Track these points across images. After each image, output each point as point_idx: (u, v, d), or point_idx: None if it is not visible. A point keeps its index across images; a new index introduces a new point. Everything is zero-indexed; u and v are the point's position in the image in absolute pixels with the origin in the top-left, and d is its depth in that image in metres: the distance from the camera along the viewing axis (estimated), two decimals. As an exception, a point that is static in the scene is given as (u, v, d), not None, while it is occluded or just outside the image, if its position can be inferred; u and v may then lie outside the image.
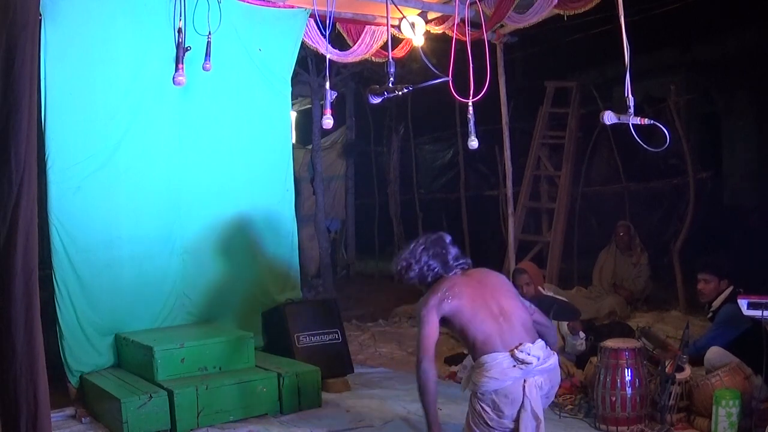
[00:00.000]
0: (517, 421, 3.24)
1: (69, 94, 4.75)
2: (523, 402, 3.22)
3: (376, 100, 4.03)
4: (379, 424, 4.46)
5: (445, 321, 3.38)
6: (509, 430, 3.27)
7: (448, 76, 3.93)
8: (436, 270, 3.51)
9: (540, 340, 3.36)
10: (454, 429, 3.99)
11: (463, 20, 4.52)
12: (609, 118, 3.59)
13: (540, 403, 3.25)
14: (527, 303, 3.62)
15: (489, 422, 3.26)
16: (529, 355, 3.22)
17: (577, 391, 4.97)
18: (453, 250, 3.58)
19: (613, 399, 4.26)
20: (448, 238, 3.63)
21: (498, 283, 3.57)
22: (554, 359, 3.35)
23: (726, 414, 3.99)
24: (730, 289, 4.76)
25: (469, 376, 3.35)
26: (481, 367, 3.25)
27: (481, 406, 3.27)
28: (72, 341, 4.76)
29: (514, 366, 3.21)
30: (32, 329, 2.76)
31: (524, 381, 3.22)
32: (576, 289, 7.60)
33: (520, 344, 3.25)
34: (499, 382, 3.21)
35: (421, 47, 4.89)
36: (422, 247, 3.56)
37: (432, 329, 3.34)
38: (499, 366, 3.21)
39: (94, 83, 4.86)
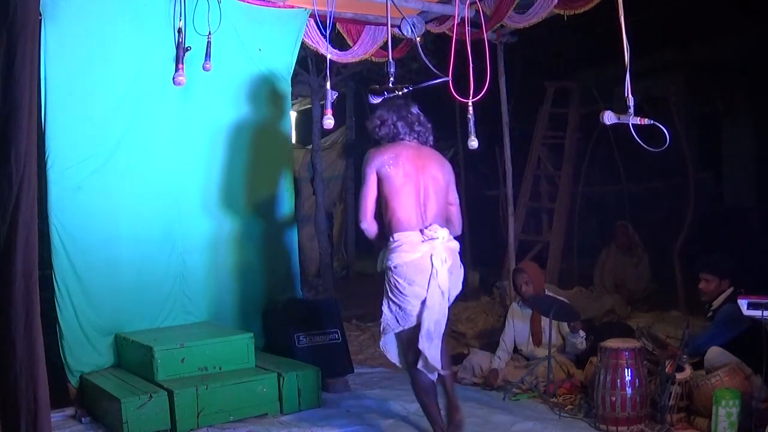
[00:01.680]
0: (427, 290, 3.71)
1: (69, 94, 4.74)
2: (431, 272, 3.70)
3: (376, 100, 4.03)
4: (379, 424, 4.46)
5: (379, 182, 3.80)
6: (421, 298, 3.71)
7: (448, 76, 3.92)
8: (400, 131, 3.91)
9: (446, 228, 3.86)
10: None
11: (463, 20, 4.52)
12: (609, 118, 3.59)
13: (446, 276, 3.75)
14: (453, 196, 4.03)
15: (402, 291, 3.71)
16: (435, 233, 3.74)
17: (577, 391, 4.98)
18: (417, 118, 3.94)
19: (613, 399, 4.26)
20: (415, 108, 3.98)
21: (435, 172, 3.91)
22: (456, 243, 3.90)
23: (726, 414, 4.00)
24: (731, 289, 4.76)
25: (384, 255, 3.77)
26: (395, 243, 3.73)
27: (395, 278, 3.72)
28: (72, 341, 4.76)
29: (423, 241, 3.71)
30: (32, 329, 2.76)
31: (431, 255, 3.71)
32: (576, 289, 7.60)
33: (428, 224, 3.77)
34: (410, 255, 3.70)
35: (421, 47, 4.89)
36: (393, 109, 3.95)
37: (372, 188, 3.80)
38: (410, 241, 3.71)
39: (94, 83, 4.86)
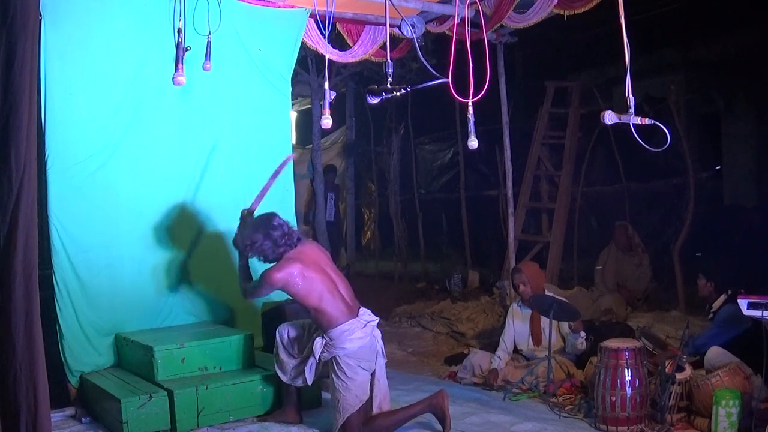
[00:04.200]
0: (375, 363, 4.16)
1: (69, 93, 4.74)
2: (376, 349, 4.17)
3: (374, 101, 4.03)
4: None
5: (292, 295, 4.11)
6: (368, 374, 4.12)
7: (447, 77, 3.92)
8: (271, 249, 4.12)
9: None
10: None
11: (463, 20, 4.52)
12: (610, 118, 3.59)
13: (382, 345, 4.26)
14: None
15: (355, 376, 4.05)
16: (370, 317, 4.17)
17: (577, 391, 4.98)
18: (278, 231, 4.13)
19: (613, 399, 4.27)
20: (276, 218, 4.20)
21: (328, 260, 4.29)
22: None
23: (726, 414, 4.00)
24: (728, 290, 4.78)
25: (330, 346, 4.06)
26: (343, 334, 4.04)
27: (348, 364, 4.05)
28: (72, 341, 4.76)
29: (365, 325, 4.11)
30: (32, 329, 2.76)
31: (373, 334, 4.16)
32: (576, 289, 7.60)
33: (359, 309, 4.18)
34: (363, 339, 4.08)
35: (421, 47, 4.89)
36: (259, 229, 4.15)
37: (261, 295, 4.28)
38: (357, 329, 4.07)
39: (94, 83, 4.85)
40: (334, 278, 4.17)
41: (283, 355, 4.37)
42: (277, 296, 5.58)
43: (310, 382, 4.29)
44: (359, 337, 4.07)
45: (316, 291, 4.05)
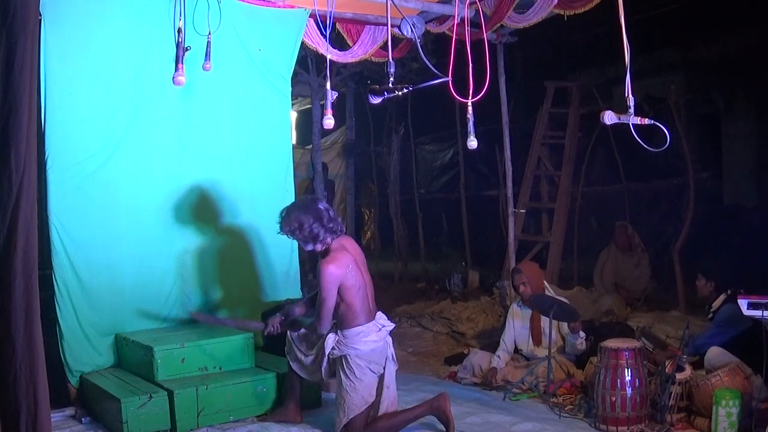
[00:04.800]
0: (383, 367, 4.17)
1: (69, 94, 4.74)
2: (387, 354, 4.18)
3: (376, 100, 4.03)
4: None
5: (340, 288, 4.01)
6: (376, 377, 4.12)
7: (447, 76, 3.92)
8: (320, 231, 4.06)
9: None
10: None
11: (463, 20, 4.52)
12: (609, 118, 3.59)
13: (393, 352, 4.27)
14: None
15: (363, 377, 4.05)
16: (385, 321, 4.21)
17: (577, 391, 4.98)
18: (325, 215, 4.09)
19: (613, 399, 4.27)
20: (321, 203, 4.17)
21: (364, 259, 4.27)
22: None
23: (726, 414, 4.00)
24: (726, 292, 4.78)
25: (342, 344, 4.06)
26: (358, 335, 4.05)
27: (357, 364, 4.04)
28: (72, 341, 4.76)
29: (380, 330, 4.13)
30: (32, 329, 2.76)
31: (386, 339, 4.17)
32: (576, 289, 7.60)
33: (375, 313, 4.19)
34: (377, 343, 4.10)
35: (421, 47, 4.89)
36: (304, 210, 4.09)
37: (333, 301, 4.00)
38: (373, 332, 4.09)
39: (94, 83, 4.85)
40: (366, 278, 4.17)
41: (297, 353, 4.39)
42: (273, 297, 5.62)
43: (325, 379, 4.30)
44: (373, 340, 4.08)
45: (356, 287, 4.04)
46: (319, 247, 4.11)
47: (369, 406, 4.09)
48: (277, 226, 4.16)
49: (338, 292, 4.00)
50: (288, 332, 4.42)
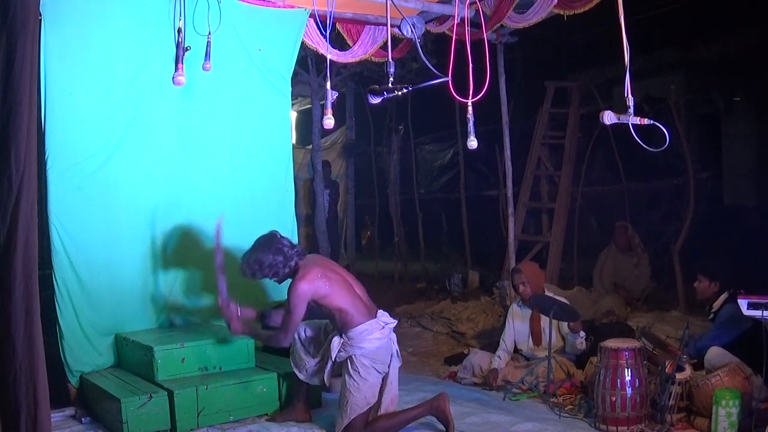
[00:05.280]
0: (388, 365, 4.19)
1: (69, 94, 4.74)
2: (392, 351, 4.20)
3: (376, 100, 4.03)
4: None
5: (319, 299, 4.09)
6: (380, 377, 4.14)
7: (447, 76, 3.93)
8: (283, 263, 4.12)
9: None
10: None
11: (463, 20, 4.52)
12: (609, 118, 3.59)
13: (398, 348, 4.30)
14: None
15: (368, 377, 4.06)
16: (388, 319, 4.20)
17: (577, 391, 4.98)
18: (285, 245, 4.16)
19: (613, 399, 4.27)
20: (277, 235, 4.23)
21: (336, 265, 4.37)
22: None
23: (726, 414, 4.00)
24: (727, 292, 4.77)
25: (348, 345, 4.08)
26: (362, 334, 4.06)
27: (363, 364, 4.06)
28: (72, 341, 4.76)
29: (383, 327, 4.13)
30: (32, 329, 2.76)
31: (390, 336, 4.19)
32: (576, 289, 7.60)
33: (376, 311, 4.20)
34: (381, 340, 4.11)
35: (421, 47, 4.89)
36: (264, 249, 4.14)
37: (300, 315, 4.09)
38: (376, 330, 4.10)
39: (94, 83, 4.85)
40: (348, 280, 4.23)
41: (301, 353, 4.41)
42: (277, 297, 5.62)
43: (327, 383, 4.32)
44: (378, 337, 4.10)
45: (338, 291, 4.09)
46: (288, 274, 4.17)
47: (370, 408, 4.10)
48: (241, 271, 4.23)
49: (321, 303, 4.09)
50: (295, 337, 4.43)
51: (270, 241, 4.17)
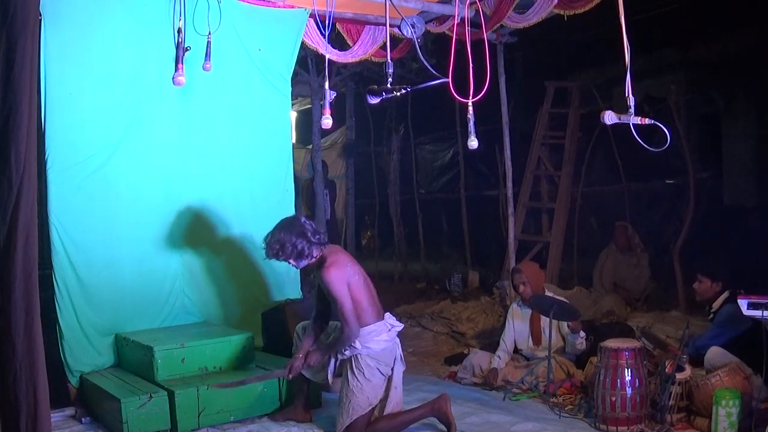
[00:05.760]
0: (391, 369, 4.17)
1: (69, 94, 4.74)
2: (396, 354, 4.18)
3: (375, 101, 4.03)
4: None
5: (350, 286, 4.05)
6: (384, 379, 4.13)
7: (447, 77, 3.93)
8: (306, 246, 4.06)
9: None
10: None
11: (463, 20, 4.52)
12: (610, 117, 3.59)
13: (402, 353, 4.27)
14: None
15: (371, 378, 4.05)
16: (395, 322, 4.22)
17: (577, 391, 4.98)
18: (308, 228, 4.11)
19: (613, 399, 4.27)
20: (301, 218, 4.22)
21: (357, 262, 4.26)
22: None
23: (726, 414, 4.00)
24: (727, 291, 4.77)
25: (355, 345, 4.04)
26: (370, 334, 4.05)
27: (367, 364, 4.04)
28: (72, 341, 4.77)
29: (390, 329, 4.15)
30: (32, 329, 2.76)
31: (395, 339, 4.19)
32: (576, 289, 7.60)
33: (384, 313, 4.21)
34: (387, 342, 4.11)
35: (421, 47, 4.89)
36: (288, 230, 4.08)
37: (350, 301, 4.02)
38: (384, 332, 4.11)
39: (94, 83, 4.85)
40: (365, 277, 4.21)
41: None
42: (278, 297, 5.62)
43: (330, 381, 4.31)
44: (385, 339, 4.11)
45: (361, 284, 4.10)
46: (311, 261, 4.13)
47: (372, 409, 4.09)
48: (263, 251, 4.17)
49: (353, 292, 4.04)
50: (296, 331, 4.47)
51: (293, 223, 4.13)
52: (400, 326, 4.24)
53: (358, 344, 4.06)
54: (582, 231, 8.93)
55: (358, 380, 4.05)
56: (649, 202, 8.73)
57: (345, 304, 3.98)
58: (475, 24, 5.18)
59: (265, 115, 5.63)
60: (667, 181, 8.25)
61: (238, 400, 4.51)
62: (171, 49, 4.80)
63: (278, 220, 4.15)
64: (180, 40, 4.74)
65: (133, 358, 4.81)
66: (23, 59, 2.77)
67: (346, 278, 4.03)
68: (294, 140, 9.77)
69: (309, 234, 4.08)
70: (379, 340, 4.08)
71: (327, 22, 4.66)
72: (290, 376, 4.27)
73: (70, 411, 4.67)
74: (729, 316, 4.63)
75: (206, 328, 5.18)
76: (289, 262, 4.15)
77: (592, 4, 5.17)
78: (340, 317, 4.06)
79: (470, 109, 3.96)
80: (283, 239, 4.06)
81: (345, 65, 7.73)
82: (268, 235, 4.16)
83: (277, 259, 4.14)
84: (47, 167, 4.65)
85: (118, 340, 4.97)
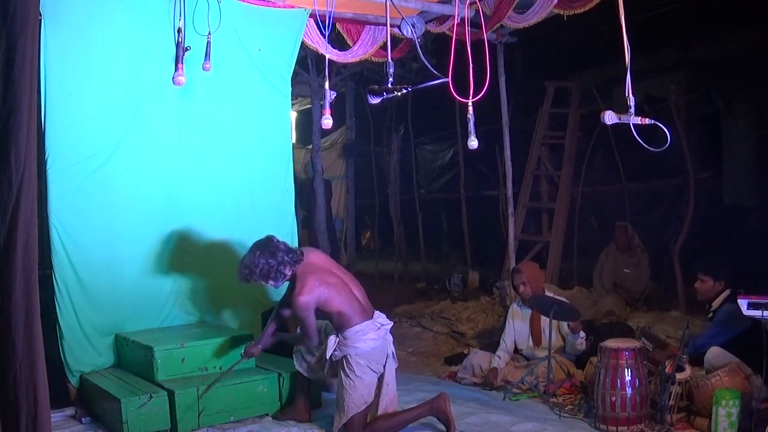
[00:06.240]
0: (383, 366, 4.20)
1: (69, 94, 4.74)
2: (387, 352, 4.21)
3: (375, 101, 4.03)
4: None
5: (322, 306, 4.10)
6: (376, 376, 4.15)
7: (447, 77, 3.92)
8: (277, 268, 4.11)
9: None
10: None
11: (463, 20, 4.52)
12: (610, 117, 3.59)
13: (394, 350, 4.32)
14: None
15: (363, 376, 4.08)
16: (384, 320, 4.25)
17: (577, 391, 4.98)
18: (281, 250, 4.14)
19: (613, 399, 4.27)
20: (274, 240, 4.21)
21: (334, 263, 4.39)
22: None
23: (726, 414, 4.00)
24: (728, 290, 4.77)
25: (343, 345, 4.11)
26: (357, 334, 4.09)
27: (358, 363, 4.08)
28: (72, 341, 4.77)
29: (379, 328, 4.17)
30: (32, 329, 2.76)
31: (386, 337, 4.22)
32: (576, 289, 7.60)
33: (373, 312, 4.24)
34: (376, 341, 4.13)
35: (421, 47, 4.89)
36: (257, 253, 4.13)
37: (313, 320, 4.13)
38: (371, 331, 4.13)
39: (94, 83, 4.85)
40: (345, 280, 4.25)
41: (302, 351, 4.45)
42: (277, 296, 5.62)
43: (327, 381, 4.39)
44: (372, 338, 4.13)
45: (335, 296, 4.11)
46: (285, 279, 4.18)
47: (368, 406, 4.11)
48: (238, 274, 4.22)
49: (321, 308, 4.09)
50: (297, 331, 4.50)
51: (265, 246, 4.17)
52: (389, 324, 4.28)
53: (347, 345, 4.10)
54: (582, 231, 8.93)
55: (350, 379, 4.08)
56: (649, 202, 8.73)
57: (306, 323, 4.11)
58: (475, 24, 5.18)
59: (265, 115, 5.62)
60: (668, 181, 8.24)
61: (238, 400, 4.51)
62: (171, 49, 4.80)
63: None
64: (180, 40, 4.74)
65: (133, 358, 4.81)
66: (23, 59, 2.77)
67: (314, 303, 4.05)
68: (294, 140, 9.78)
69: (280, 254, 4.11)
70: (366, 339, 4.11)
71: (327, 22, 4.66)
72: (245, 358, 4.51)
73: (70, 411, 4.67)
74: (728, 315, 4.63)
75: (206, 328, 5.18)
76: (268, 283, 4.19)
77: (592, 4, 5.17)
78: (301, 330, 4.25)
79: (470, 109, 3.96)
80: (250, 263, 4.12)
81: (345, 65, 7.74)
82: (241, 258, 4.23)
83: (248, 282, 4.19)
84: (47, 167, 4.65)
85: (118, 340, 4.97)
